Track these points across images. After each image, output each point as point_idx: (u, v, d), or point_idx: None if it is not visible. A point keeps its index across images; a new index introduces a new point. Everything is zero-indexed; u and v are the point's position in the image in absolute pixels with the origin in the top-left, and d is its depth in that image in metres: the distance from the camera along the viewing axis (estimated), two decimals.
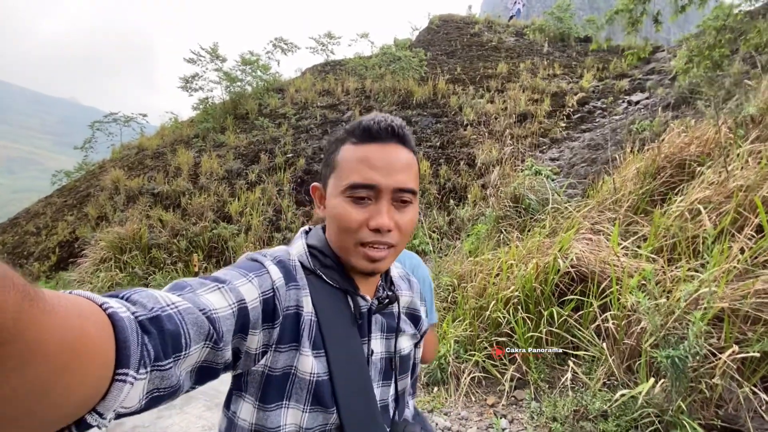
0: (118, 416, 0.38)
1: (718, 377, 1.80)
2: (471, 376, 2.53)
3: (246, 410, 0.62)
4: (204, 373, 0.50)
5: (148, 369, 0.39)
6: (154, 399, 0.42)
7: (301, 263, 0.66)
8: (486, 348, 2.59)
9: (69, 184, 14.39)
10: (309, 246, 0.69)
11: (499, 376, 2.48)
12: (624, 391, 1.93)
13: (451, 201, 6.81)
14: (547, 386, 2.32)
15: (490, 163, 7.26)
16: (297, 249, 0.68)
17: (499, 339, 2.58)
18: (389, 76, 10.92)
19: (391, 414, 0.73)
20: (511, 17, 15.80)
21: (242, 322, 0.53)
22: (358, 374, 0.64)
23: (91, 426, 0.34)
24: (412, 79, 10.60)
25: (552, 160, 7.15)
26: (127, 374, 0.35)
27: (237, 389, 0.64)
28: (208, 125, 11.69)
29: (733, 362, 1.80)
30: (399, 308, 0.75)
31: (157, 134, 14.09)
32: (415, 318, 0.81)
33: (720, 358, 1.80)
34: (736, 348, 1.80)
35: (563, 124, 8.08)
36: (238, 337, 0.54)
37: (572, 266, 2.60)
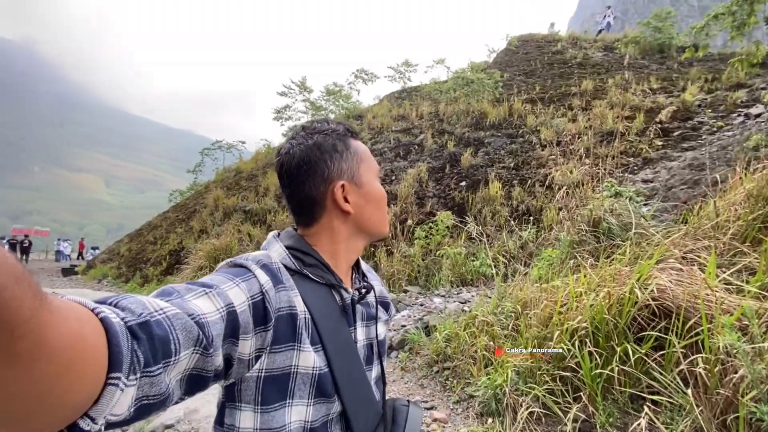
0: (108, 426, 0.37)
1: None
2: (529, 410, 2.33)
3: (246, 418, 0.61)
4: (193, 382, 0.49)
5: (138, 375, 0.39)
6: (144, 407, 0.41)
7: (285, 265, 0.67)
8: (547, 381, 2.38)
9: (181, 202, 16.75)
10: (288, 248, 0.70)
11: (561, 414, 2.24)
12: None
13: (524, 224, 6.45)
14: None
15: (568, 185, 6.76)
16: (277, 252, 0.70)
17: (563, 373, 2.35)
18: (463, 98, 10.93)
19: (378, 396, 0.77)
20: (600, 31, 14.83)
21: (232, 327, 0.53)
22: (352, 362, 0.68)
23: (83, 430, 0.34)
24: (486, 100, 10.47)
25: (645, 181, 6.42)
26: (119, 378, 0.35)
27: (230, 401, 0.63)
28: None
29: None
30: (375, 297, 0.81)
31: (253, 159, 15.83)
32: (385, 304, 0.87)
33: None
34: None
35: (660, 142, 7.24)
36: (229, 342, 0.53)
37: (653, 299, 2.29)
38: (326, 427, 0.65)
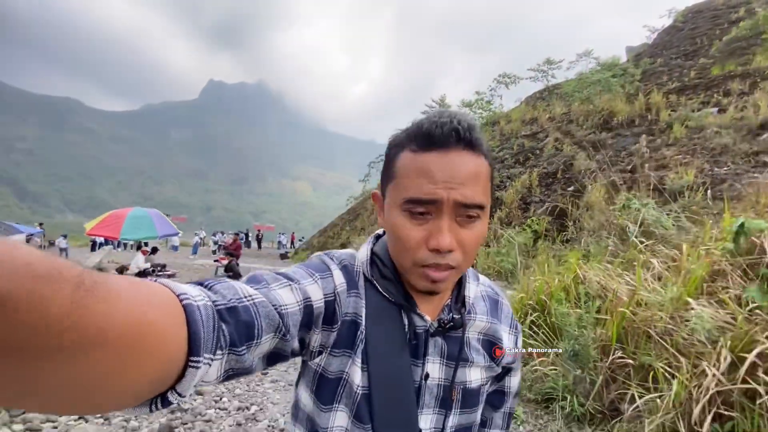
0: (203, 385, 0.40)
1: None
2: None
3: (304, 397, 0.65)
4: (274, 358, 0.54)
5: (225, 351, 0.42)
6: (231, 376, 0.46)
7: (363, 271, 0.65)
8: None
9: (353, 205, 20.89)
10: (373, 253, 0.67)
11: None
12: None
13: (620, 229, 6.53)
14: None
15: (681, 189, 6.49)
16: (362, 255, 0.67)
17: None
18: (595, 96, 10.58)
19: None
20: None
21: (307, 319, 0.56)
22: (400, 396, 0.60)
23: (171, 402, 0.37)
24: (618, 97, 9.89)
25: None
26: (199, 361, 0.37)
27: (301, 373, 0.67)
28: None
29: None
30: (464, 334, 0.66)
31: None
32: (490, 344, 0.70)
33: None
34: None
35: None
36: (303, 331, 0.56)
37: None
38: None
